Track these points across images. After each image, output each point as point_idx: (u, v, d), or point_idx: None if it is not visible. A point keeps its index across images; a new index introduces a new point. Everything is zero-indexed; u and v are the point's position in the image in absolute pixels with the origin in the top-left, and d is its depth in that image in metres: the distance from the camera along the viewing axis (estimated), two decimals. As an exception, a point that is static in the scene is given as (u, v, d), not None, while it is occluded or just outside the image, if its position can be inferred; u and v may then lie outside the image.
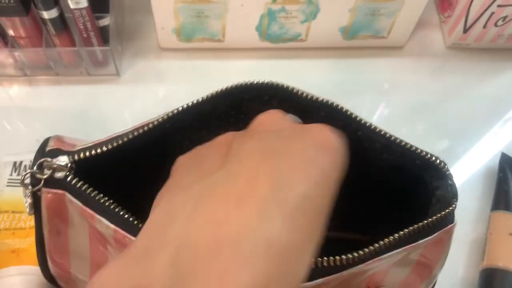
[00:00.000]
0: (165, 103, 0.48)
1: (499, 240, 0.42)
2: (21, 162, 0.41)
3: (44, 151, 0.27)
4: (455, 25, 0.50)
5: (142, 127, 0.27)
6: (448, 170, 0.26)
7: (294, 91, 0.27)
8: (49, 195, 0.26)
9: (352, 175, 0.31)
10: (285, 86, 0.27)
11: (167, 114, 0.27)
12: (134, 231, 0.24)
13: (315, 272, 0.22)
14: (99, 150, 0.26)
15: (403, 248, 0.24)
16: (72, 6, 0.42)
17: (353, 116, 0.27)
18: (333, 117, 0.27)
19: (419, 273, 0.27)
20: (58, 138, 0.28)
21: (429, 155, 0.26)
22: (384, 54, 0.52)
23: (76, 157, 0.26)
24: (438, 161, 0.26)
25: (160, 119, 0.27)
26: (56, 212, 0.27)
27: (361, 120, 0.27)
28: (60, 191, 0.26)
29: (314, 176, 0.20)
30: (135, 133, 0.26)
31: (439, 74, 0.52)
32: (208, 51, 0.51)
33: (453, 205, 0.25)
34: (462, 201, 0.45)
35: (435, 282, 0.29)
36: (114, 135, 0.27)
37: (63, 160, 0.26)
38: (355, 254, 0.23)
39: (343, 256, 0.23)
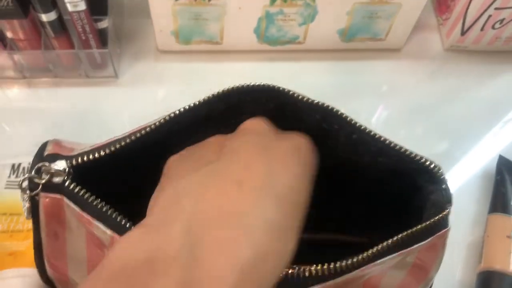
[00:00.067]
0: (164, 105, 0.48)
1: (496, 243, 0.42)
2: (19, 164, 0.41)
3: (42, 156, 0.27)
4: (453, 28, 0.50)
5: (140, 130, 0.27)
6: (442, 174, 0.26)
7: (291, 93, 0.27)
8: (47, 199, 0.26)
9: (347, 177, 0.31)
10: (281, 89, 0.27)
11: (164, 118, 0.27)
12: None
13: (311, 279, 0.22)
14: (96, 155, 0.26)
15: (397, 253, 0.24)
16: (70, 9, 0.42)
17: (348, 119, 0.27)
18: (329, 119, 0.27)
19: (415, 276, 0.27)
20: (56, 143, 0.28)
21: (423, 159, 0.26)
22: (382, 56, 0.52)
23: (74, 162, 0.26)
24: (432, 165, 0.26)
25: (157, 123, 0.27)
26: (54, 217, 0.27)
27: (356, 123, 0.27)
28: (58, 196, 0.26)
29: (296, 170, 0.24)
30: (132, 137, 0.27)
31: (437, 76, 0.52)
32: (206, 54, 0.51)
33: (447, 210, 0.25)
34: (460, 204, 0.45)
35: (432, 284, 0.29)
36: (111, 140, 0.27)
37: (61, 165, 0.26)
38: (349, 262, 0.23)
39: (338, 263, 0.23)
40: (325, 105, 0.27)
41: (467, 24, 0.49)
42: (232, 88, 0.27)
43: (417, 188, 0.27)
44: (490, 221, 0.43)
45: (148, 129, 0.27)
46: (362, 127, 0.27)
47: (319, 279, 0.23)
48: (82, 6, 0.42)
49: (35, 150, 0.27)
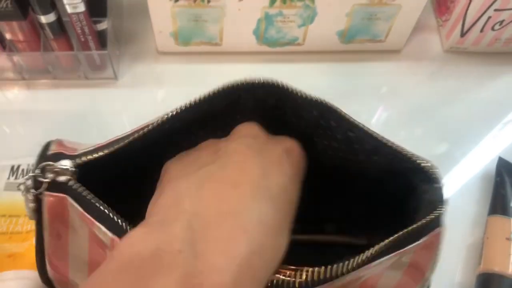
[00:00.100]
0: (163, 106, 0.47)
1: (496, 245, 0.42)
2: (19, 166, 0.41)
3: (46, 155, 0.27)
4: (453, 29, 0.50)
5: (142, 129, 0.27)
6: (435, 174, 0.26)
7: (289, 89, 0.27)
8: (51, 198, 0.26)
9: (346, 177, 0.31)
10: (281, 85, 0.27)
11: (167, 115, 0.27)
12: None
13: (307, 283, 0.22)
14: (100, 154, 0.26)
15: (392, 254, 0.24)
16: (69, 10, 0.42)
17: (345, 116, 0.27)
18: (326, 116, 0.27)
19: (411, 276, 0.27)
20: (60, 142, 0.28)
21: (418, 159, 0.26)
22: (382, 58, 0.52)
23: (78, 161, 0.26)
24: (427, 164, 0.26)
25: (159, 121, 0.27)
26: (57, 216, 0.27)
27: (353, 121, 0.27)
28: (62, 195, 0.26)
29: (288, 171, 0.25)
30: (135, 135, 0.27)
31: (437, 77, 0.52)
32: (205, 55, 0.51)
33: (440, 209, 0.25)
34: (459, 205, 0.45)
35: (429, 285, 0.29)
36: (114, 138, 0.27)
37: (65, 164, 0.26)
38: (347, 264, 0.23)
39: (335, 266, 0.23)
40: (323, 102, 0.27)
41: (466, 26, 0.49)
42: (232, 84, 0.27)
43: (413, 187, 0.27)
44: (490, 223, 0.43)
45: (150, 127, 0.27)
46: (359, 125, 0.27)
47: (314, 283, 0.22)
48: (81, 8, 0.42)
49: (34, 151, 0.27)
